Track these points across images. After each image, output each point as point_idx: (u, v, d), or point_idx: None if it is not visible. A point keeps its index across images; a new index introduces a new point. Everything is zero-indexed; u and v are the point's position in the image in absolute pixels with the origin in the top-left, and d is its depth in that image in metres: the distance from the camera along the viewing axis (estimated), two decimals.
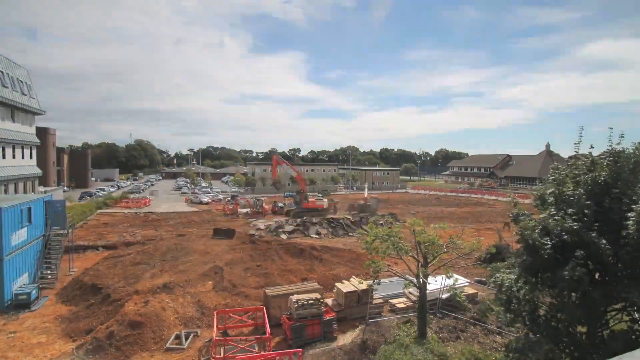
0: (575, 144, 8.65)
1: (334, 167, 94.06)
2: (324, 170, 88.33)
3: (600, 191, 7.65)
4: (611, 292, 7.04)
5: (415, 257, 13.32)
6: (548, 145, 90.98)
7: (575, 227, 6.97)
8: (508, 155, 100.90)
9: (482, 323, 14.44)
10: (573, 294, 7.45)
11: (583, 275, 6.53)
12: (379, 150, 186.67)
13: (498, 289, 8.63)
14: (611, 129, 8.17)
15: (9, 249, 16.75)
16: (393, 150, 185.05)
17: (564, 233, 7.10)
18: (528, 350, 7.69)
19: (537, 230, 7.52)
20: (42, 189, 43.23)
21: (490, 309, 10.34)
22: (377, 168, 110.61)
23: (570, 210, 7.29)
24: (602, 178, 7.58)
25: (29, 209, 18.85)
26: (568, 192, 7.49)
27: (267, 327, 12.79)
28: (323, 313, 13.72)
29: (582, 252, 6.72)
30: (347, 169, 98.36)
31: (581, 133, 8.76)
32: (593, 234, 6.87)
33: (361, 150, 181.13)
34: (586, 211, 7.23)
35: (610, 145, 8.08)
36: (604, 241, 6.85)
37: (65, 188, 63.05)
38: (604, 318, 7.69)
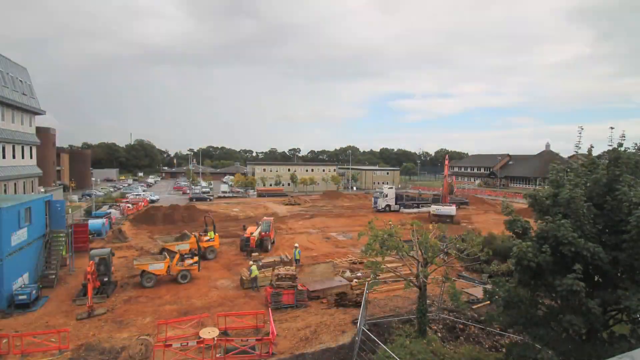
0: (575, 145, 8.63)
1: (333, 167, 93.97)
2: (323, 170, 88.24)
3: (601, 192, 7.61)
4: (610, 298, 7.01)
5: (416, 257, 13.30)
6: (548, 145, 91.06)
7: (573, 236, 6.89)
8: (508, 155, 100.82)
9: (482, 324, 14.40)
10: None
11: (580, 288, 6.51)
12: (379, 149, 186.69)
13: (496, 292, 8.61)
14: (612, 128, 8.15)
15: (9, 249, 16.72)
16: (393, 150, 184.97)
17: (562, 242, 7.02)
18: (528, 352, 7.68)
19: (529, 250, 7.36)
20: (42, 189, 43.20)
21: (494, 317, 10.27)
22: (377, 168, 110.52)
23: (568, 215, 7.25)
24: (603, 180, 7.54)
25: (29, 209, 18.82)
26: (565, 196, 7.42)
27: (273, 328, 12.76)
28: (297, 285, 16.70)
29: (580, 266, 6.69)
30: (347, 168, 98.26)
31: (580, 133, 8.75)
32: (591, 244, 6.83)
33: (361, 150, 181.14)
34: (585, 212, 7.17)
35: (610, 145, 8.06)
36: (601, 249, 6.82)
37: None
38: (604, 319, 7.66)
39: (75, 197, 55.52)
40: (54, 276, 19.55)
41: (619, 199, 7.14)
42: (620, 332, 7.69)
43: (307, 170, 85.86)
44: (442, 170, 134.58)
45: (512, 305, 8.11)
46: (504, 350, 11.83)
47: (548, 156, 79.51)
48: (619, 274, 7.35)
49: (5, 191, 33.35)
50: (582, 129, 8.74)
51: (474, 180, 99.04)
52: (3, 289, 16.19)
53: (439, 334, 13.65)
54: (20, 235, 17.83)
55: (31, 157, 40.62)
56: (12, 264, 16.92)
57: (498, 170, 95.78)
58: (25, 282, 17.90)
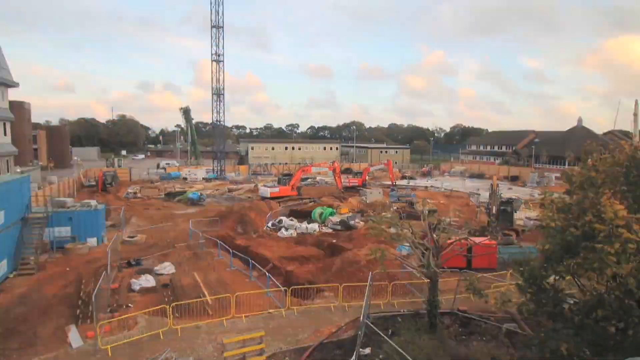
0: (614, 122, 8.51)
1: (336, 145, 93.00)
2: (324, 149, 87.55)
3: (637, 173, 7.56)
4: None
5: (427, 244, 13.33)
6: (580, 120, 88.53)
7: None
8: (533, 132, 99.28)
9: (491, 319, 14.51)
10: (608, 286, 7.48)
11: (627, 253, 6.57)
12: (387, 125, 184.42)
13: (522, 275, 8.74)
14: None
15: None
16: (403, 125, 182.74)
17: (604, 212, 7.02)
18: (549, 338, 7.80)
19: (562, 215, 7.43)
20: (18, 168, 43.45)
21: (509, 300, 10.65)
22: (385, 146, 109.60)
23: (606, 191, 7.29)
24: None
25: (5, 190, 18.91)
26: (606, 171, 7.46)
27: None
28: None
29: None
30: (351, 146, 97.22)
31: (618, 108, 8.62)
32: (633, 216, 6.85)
33: (367, 125, 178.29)
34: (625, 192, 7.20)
35: None
36: None
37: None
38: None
39: (54, 178, 55.83)
40: (34, 262, 19.82)
41: None
42: None
43: (306, 149, 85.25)
44: (459, 148, 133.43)
45: (536, 290, 8.27)
46: (519, 346, 12.01)
47: (581, 133, 78.02)
48: None
49: None
50: (620, 102, 8.61)
51: (495, 160, 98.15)
52: None
53: (450, 328, 13.85)
54: None
55: (5, 134, 40.65)
56: None
57: (522, 149, 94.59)
58: (4, 269, 18.24)
